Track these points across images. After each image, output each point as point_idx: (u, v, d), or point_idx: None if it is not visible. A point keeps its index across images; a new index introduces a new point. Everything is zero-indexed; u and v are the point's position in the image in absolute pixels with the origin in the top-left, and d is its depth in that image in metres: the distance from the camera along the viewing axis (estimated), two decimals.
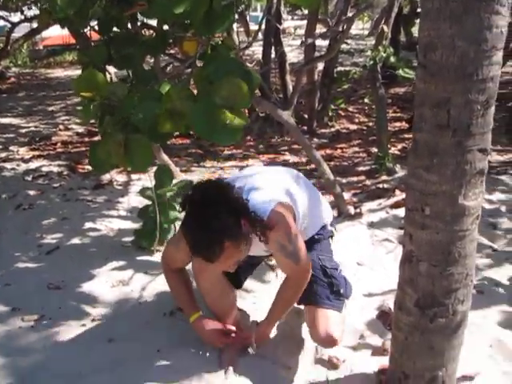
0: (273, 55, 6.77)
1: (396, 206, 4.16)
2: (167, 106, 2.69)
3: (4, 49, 10.20)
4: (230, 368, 2.34)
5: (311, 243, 2.48)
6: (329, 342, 2.36)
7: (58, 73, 12.17)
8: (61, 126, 7.29)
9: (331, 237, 2.62)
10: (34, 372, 2.34)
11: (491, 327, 2.64)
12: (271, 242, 2.19)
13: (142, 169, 2.90)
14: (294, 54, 9.75)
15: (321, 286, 2.45)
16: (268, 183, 2.33)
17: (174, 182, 3.24)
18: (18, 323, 2.68)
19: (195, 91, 2.74)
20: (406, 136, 6.25)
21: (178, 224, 3.43)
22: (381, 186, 4.72)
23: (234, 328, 2.47)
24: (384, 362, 2.32)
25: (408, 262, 2.00)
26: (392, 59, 5.04)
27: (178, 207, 3.25)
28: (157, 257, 3.30)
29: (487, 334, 2.57)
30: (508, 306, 2.82)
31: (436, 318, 1.98)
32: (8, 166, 5.51)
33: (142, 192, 3.23)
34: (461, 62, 1.69)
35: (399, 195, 4.35)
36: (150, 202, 3.29)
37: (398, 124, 6.93)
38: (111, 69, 3.53)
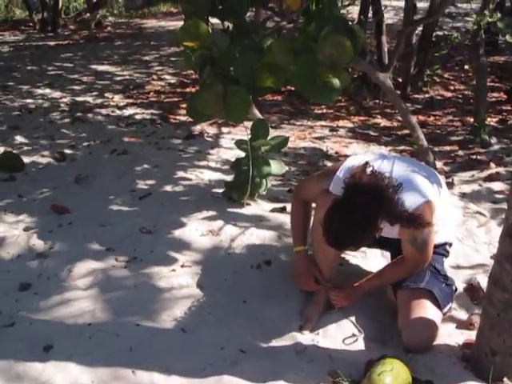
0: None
1: (490, 179, 4.02)
2: (268, 59, 2.67)
3: None
4: (308, 324, 2.38)
5: None
6: (421, 342, 2.24)
7: (152, 23, 12.35)
8: (154, 76, 7.45)
9: (445, 256, 2.55)
10: (124, 310, 2.45)
11: None
12: (405, 232, 2.23)
13: (239, 120, 2.92)
14: (389, 15, 9.46)
15: (433, 275, 2.39)
16: (421, 180, 2.31)
17: (269, 137, 3.24)
18: (112, 262, 2.81)
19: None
20: (504, 107, 5.99)
21: (269, 179, 3.46)
22: (474, 157, 4.56)
23: (324, 276, 2.48)
24: (469, 336, 2.29)
25: (509, 237, 1.94)
26: (499, 24, 4.77)
27: (270, 162, 3.26)
28: (246, 210, 3.35)
29: None
30: None
31: None
32: (103, 111, 5.71)
33: (238, 144, 3.25)
34: None
35: (494, 168, 4.19)
36: (242, 155, 3.31)
37: (495, 94, 6.62)
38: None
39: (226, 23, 3.05)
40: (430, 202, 2.23)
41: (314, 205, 2.51)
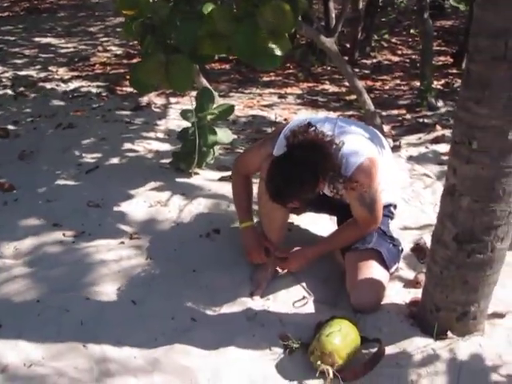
0: None
1: (436, 141, 4.09)
2: (210, 27, 2.63)
3: None
4: (258, 290, 2.40)
5: None
6: (368, 302, 2.28)
7: None
8: (99, 48, 7.25)
9: (390, 218, 2.58)
10: (73, 284, 2.42)
11: None
12: (351, 191, 2.22)
13: (182, 90, 2.87)
14: None
15: (380, 236, 2.43)
16: (363, 139, 2.33)
17: (215, 105, 3.21)
18: (59, 238, 2.77)
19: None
20: (450, 71, 6.07)
21: (216, 148, 3.43)
22: (421, 120, 4.63)
23: (273, 246, 2.50)
24: (416, 294, 2.34)
25: (450, 196, 1.98)
26: None
27: (217, 131, 3.23)
28: (194, 179, 3.34)
29: None
30: None
31: (474, 253, 1.97)
32: (48, 85, 5.54)
33: (183, 114, 3.22)
34: None
35: (440, 130, 4.27)
36: (189, 125, 3.28)
37: (442, 58, 6.71)
38: None
39: None
40: (373, 159, 2.24)
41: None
